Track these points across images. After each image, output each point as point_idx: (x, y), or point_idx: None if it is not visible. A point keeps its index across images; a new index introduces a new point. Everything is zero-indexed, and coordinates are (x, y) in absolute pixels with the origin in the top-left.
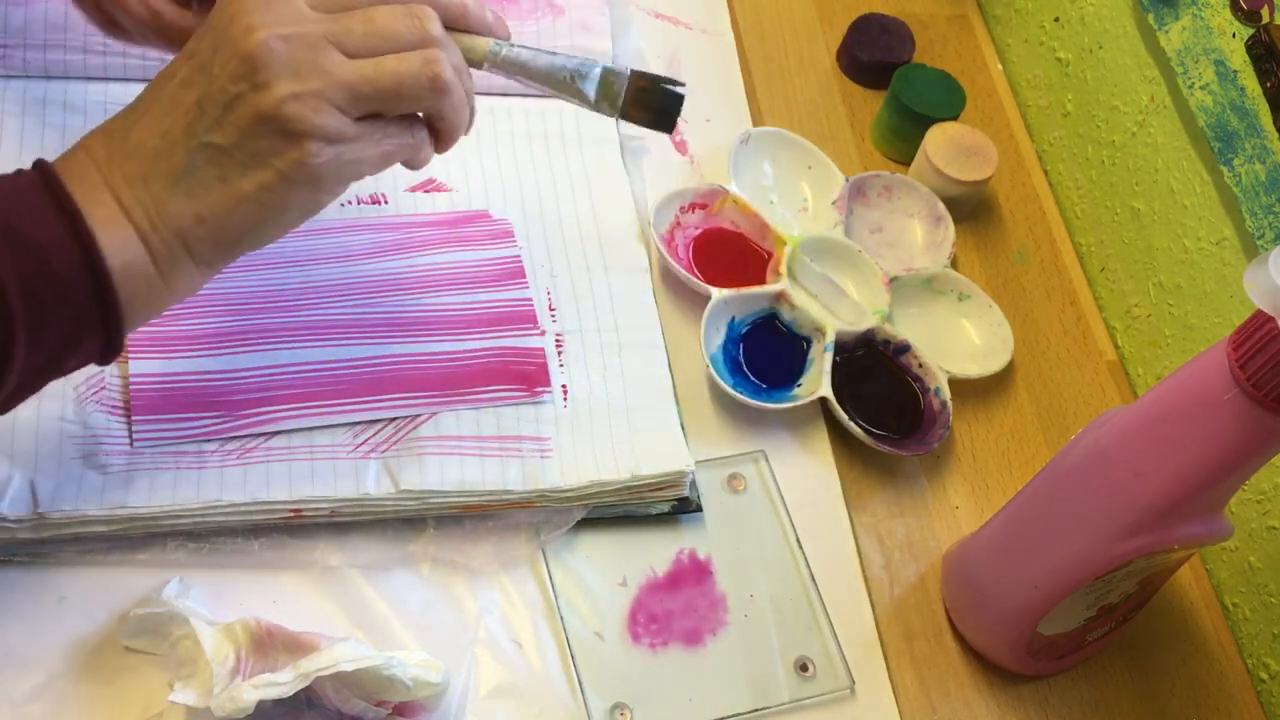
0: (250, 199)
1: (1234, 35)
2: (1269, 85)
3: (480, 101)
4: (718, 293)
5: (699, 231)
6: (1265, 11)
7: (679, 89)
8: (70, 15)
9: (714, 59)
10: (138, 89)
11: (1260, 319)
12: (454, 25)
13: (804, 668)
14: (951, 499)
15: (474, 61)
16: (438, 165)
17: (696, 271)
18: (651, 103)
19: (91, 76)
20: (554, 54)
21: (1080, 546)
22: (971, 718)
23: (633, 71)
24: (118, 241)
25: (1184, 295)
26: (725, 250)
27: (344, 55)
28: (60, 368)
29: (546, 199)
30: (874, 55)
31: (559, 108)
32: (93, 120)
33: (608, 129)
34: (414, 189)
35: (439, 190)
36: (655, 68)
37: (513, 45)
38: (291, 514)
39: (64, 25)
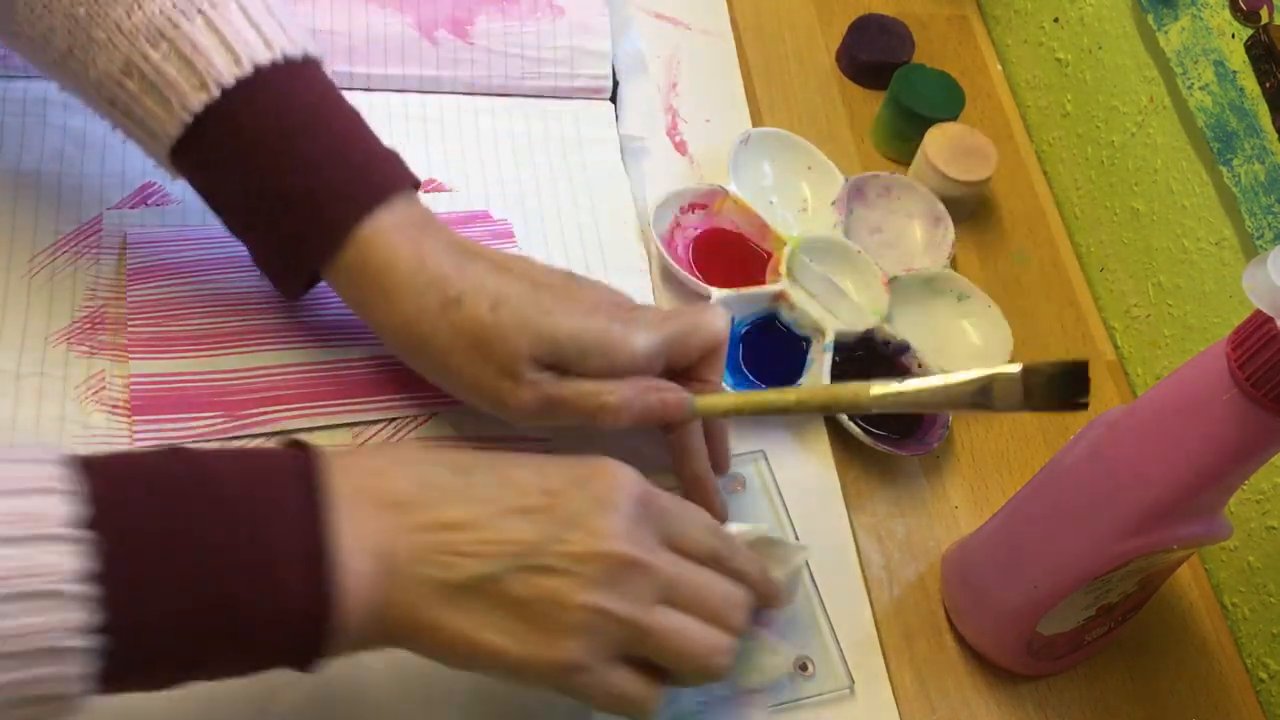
0: (479, 647)
1: (1233, 36)
2: (1268, 85)
3: (480, 101)
4: (717, 293)
5: (699, 232)
6: (1264, 12)
7: (1076, 365)
8: None
9: (714, 59)
10: None
11: (1259, 319)
12: None
13: (804, 667)
14: (951, 499)
15: (861, 407)
16: (438, 165)
17: (696, 271)
18: (1055, 390)
19: None
20: (936, 378)
21: (1079, 546)
22: (971, 717)
23: (1023, 369)
24: (355, 609)
25: (1183, 295)
26: (725, 250)
27: (660, 602)
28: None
29: (546, 199)
30: (874, 56)
31: (558, 108)
32: (93, 120)
33: (607, 129)
34: None
35: (439, 190)
36: (655, 68)
37: (900, 382)
38: None
39: None
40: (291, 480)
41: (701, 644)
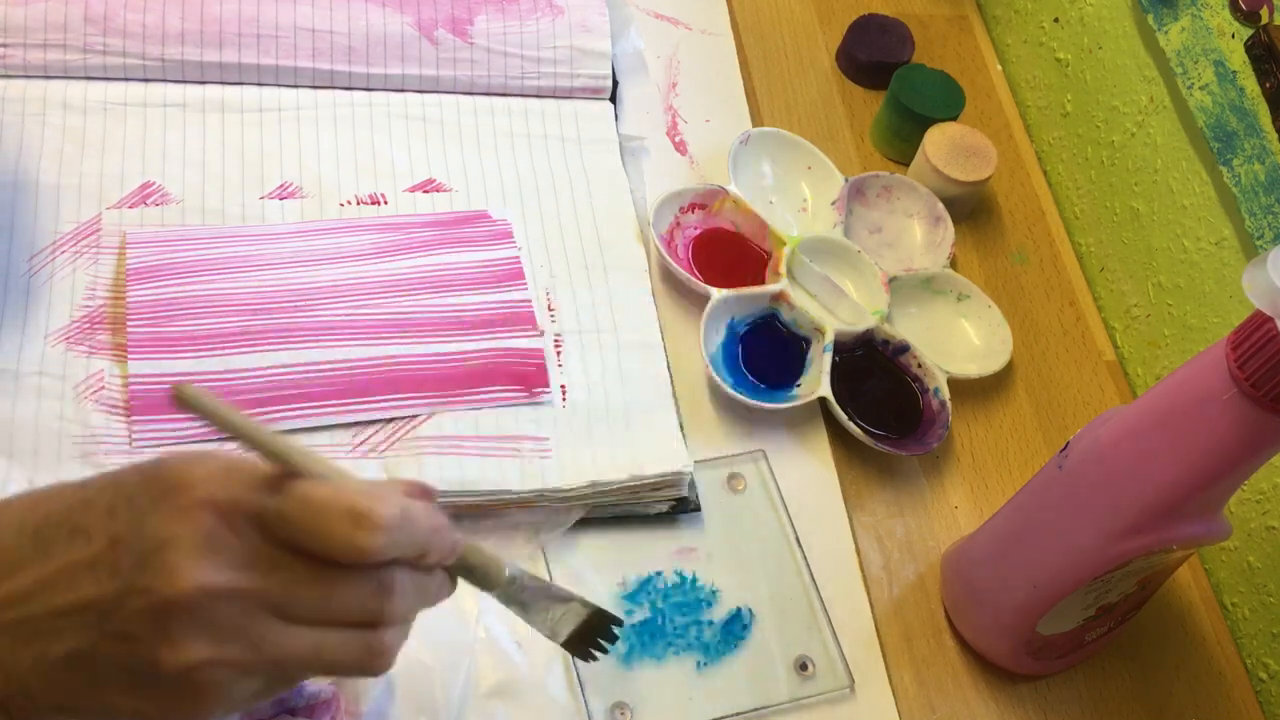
0: (119, 715)
1: (1233, 36)
2: (1268, 85)
3: (480, 101)
4: (717, 293)
5: (698, 231)
6: (1264, 12)
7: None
8: (70, 15)
9: (714, 59)
10: (137, 89)
11: (1259, 319)
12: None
13: (804, 667)
14: (951, 499)
15: (489, 586)
16: (438, 165)
17: (696, 271)
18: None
19: (91, 76)
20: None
21: (1079, 546)
22: (970, 717)
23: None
24: None
25: (1183, 295)
26: (725, 250)
27: (282, 622)
28: None
29: (546, 199)
30: (873, 56)
31: (558, 108)
32: (92, 120)
33: (607, 129)
34: (413, 189)
35: (439, 190)
36: (655, 68)
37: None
38: None
39: (64, 25)
40: None
41: (345, 657)
